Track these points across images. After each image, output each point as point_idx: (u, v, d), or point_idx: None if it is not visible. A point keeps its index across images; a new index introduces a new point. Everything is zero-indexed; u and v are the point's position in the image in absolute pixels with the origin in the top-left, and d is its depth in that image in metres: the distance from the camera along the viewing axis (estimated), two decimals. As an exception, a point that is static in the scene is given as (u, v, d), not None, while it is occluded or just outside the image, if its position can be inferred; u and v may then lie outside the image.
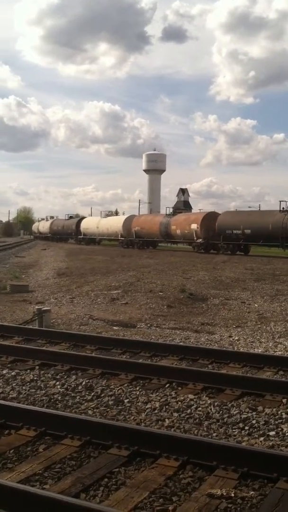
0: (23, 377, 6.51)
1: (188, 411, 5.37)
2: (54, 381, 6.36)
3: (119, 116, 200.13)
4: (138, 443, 4.30)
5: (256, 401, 5.71)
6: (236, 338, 9.45)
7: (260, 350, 8.35)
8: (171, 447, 4.20)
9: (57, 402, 5.62)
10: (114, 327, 10.39)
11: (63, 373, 6.75)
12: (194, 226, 44.03)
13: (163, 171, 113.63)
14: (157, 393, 5.98)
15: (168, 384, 6.31)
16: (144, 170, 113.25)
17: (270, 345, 8.76)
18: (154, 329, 10.30)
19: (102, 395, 5.88)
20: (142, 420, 5.10)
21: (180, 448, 4.18)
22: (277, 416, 5.22)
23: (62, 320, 10.87)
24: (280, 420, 5.11)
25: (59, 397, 5.76)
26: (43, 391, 5.97)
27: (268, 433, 4.79)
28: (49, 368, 6.98)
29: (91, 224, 61.35)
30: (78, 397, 5.80)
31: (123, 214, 61.41)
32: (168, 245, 51.97)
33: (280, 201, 37.87)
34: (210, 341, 9.15)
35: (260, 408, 5.46)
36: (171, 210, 55.80)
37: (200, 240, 43.15)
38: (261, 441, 4.60)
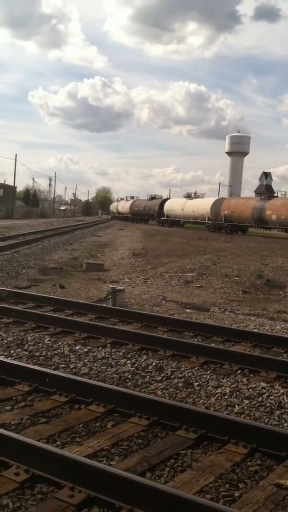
0: (95, 354, 6.61)
1: (260, 399, 5.25)
2: (125, 360, 6.41)
3: (204, 97, 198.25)
4: (206, 427, 4.25)
5: None
6: (313, 327, 9.13)
7: None
8: (240, 434, 4.12)
9: (127, 380, 5.66)
10: (187, 310, 10.34)
11: (134, 352, 6.79)
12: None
13: (246, 153, 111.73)
14: (228, 379, 5.88)
15: (239, 370, 6.20)
16: (227, 153, 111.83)
17: None
18: (228, 314, 10.16)
19: (172, 376, 5.86)
20: (211, 405, 5.04)
21: (249, 435, 4.09)
22: None
23: (135, 300, 10.95)
24: None
25: (129, 376, 5.80)
26: (114, 369, 6.03)
27: None
28: (120, 346, 7.05)
29: (175, 205, 59.27)
30: (148, 377, 5.81)
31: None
32: (260, 230, 48.28)
33: None
34: (286, 329, 8.90)
35: None
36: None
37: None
38: None
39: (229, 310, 10.59)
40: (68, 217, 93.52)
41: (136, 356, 6.60)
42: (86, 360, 6.33)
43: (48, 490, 3.31)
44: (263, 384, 5.70)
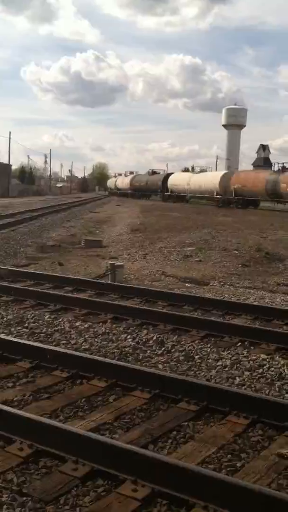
0: (95, 330, 6.62)
1: (260, 370, 5.28)
2: (125, 335, 6.43)
3: (200, 69, 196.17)
4: (207, 399, 4.27)
5: None
6: (313, 299, 9.14)
7: None
8: (241, 405, 4.15)
9: (128, 355, 5.68)
10: (187, 284, 10.35)
11: (135, 327, 6.81)
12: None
13: (243, 126, 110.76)
14: (229, 351, 5.91)
15: (240, 342, 6.22)
16: (223, 125, 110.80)
17: None
18: (227, 288, 10.16)
19: (173, 350, 5.88)
20: (212, 377, 5.07)
21: (250, 406, 4.12)
22: None
23: (135, 276, 10.94)
24: None
25: (130, 350, 5.82)
26: (115, 344, 6.05)
27: None
28: (120, 322, 7.06)
29: (180, 180, 56.32)
30: (148, 351, 5.83)
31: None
32: (273, 205, 45.49)
33: None
34: (286, 301, 8.92)
35: None
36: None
37: None
38: None
39: (228, 283, 10.60)
40: (65, 194, 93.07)
41: (136, 331, 6.62)
42: (86, 336, 6.35)
43: (52, 464, 3.34)
44: (263, 356, 5.72)
